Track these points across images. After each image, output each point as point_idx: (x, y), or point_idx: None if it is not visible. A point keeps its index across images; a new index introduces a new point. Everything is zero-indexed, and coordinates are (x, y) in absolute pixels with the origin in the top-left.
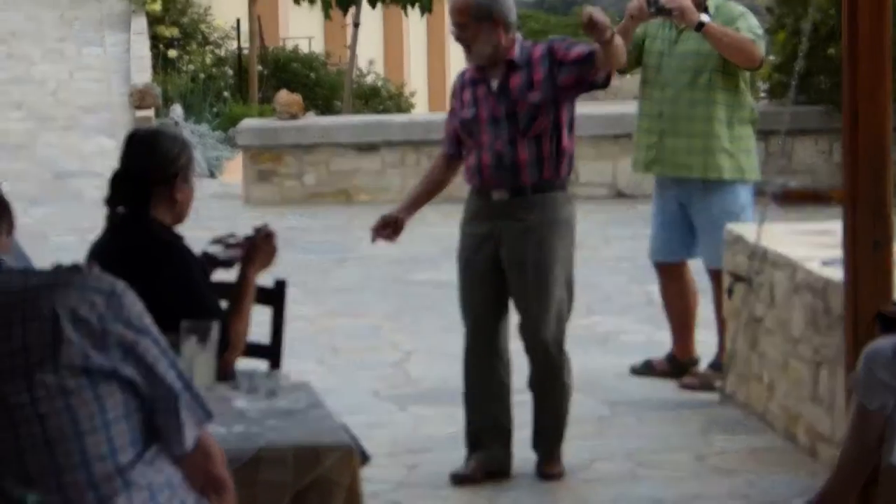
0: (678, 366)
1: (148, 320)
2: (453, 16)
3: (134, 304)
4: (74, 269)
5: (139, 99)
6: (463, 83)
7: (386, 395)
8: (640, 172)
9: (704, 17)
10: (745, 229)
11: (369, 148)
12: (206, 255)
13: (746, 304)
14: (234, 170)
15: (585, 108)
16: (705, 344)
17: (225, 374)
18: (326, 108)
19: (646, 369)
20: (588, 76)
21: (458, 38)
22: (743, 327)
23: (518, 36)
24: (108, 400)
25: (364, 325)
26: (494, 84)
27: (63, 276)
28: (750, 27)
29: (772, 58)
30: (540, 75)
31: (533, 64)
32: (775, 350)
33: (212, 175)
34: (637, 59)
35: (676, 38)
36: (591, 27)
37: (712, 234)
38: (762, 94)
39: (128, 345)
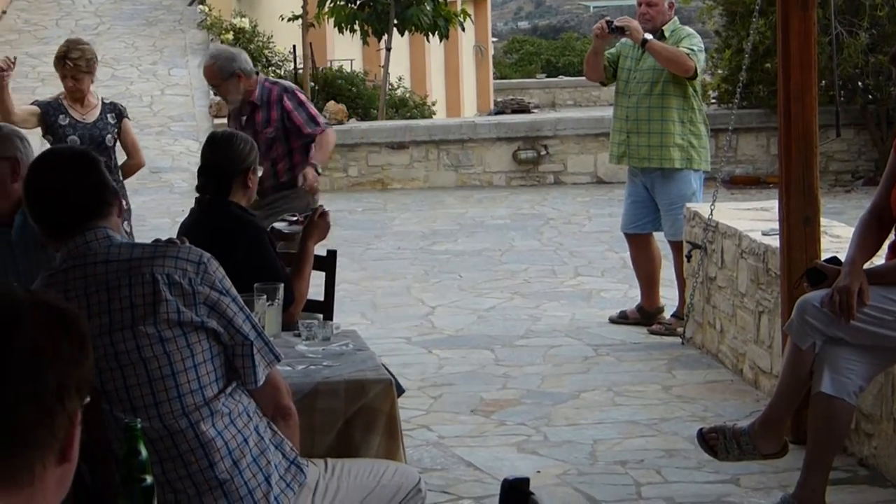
0: (646, 314)
1: (228, 283)
2: (207, 80)
3: (217, 270)
4: (170, 243)
5: (216, 110)
6: (229, 115)
7: (416, 340)
8: (613, 163)
9: (648, 36)
10: (701, 207)
11: (399, 146)
12: (273, 230)
13: (702, 267)
14: None
15: (573, 112)
16: (667, 298)
17: (289, 324)
18: (365, 116)
19: (621, 318)
20: (306, 141)
21: (216, 94)
22: (699, 285)
23: (260, 77)
24: (196, 346)
25: (397, 285)
26: (243, 119)
27: (161, 248)
28: (690, 45)
29: (720, 71)
30: (275, 116)
31: (271, 104)
32: (725, 303)
33: None
34: (613, 73)
35: (640, 56)
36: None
37: (670, 213)
38: (713, 100)
39: (212, 303)
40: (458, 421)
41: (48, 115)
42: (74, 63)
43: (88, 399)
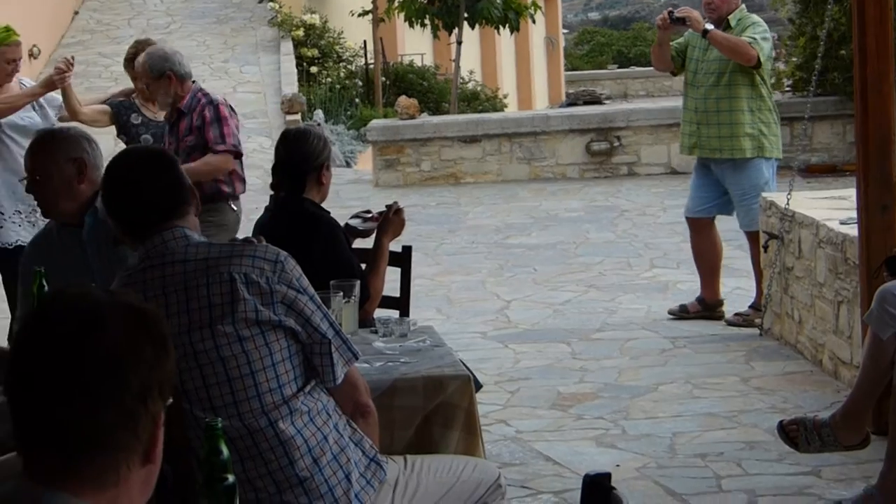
0: (708, 307)
1: (305, 281)
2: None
3: (294, 269)
4: (247, 241)
5: (288, 106)
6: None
7: (491, 335)
8: (685, 154)
9: (709, 26)
10: (777, 197)
11: (472, 140)
12: (348, 227)
13: (779, 257)
14: (366, 160)
15: (645, 103)
16: (743, 289)
17: (365, 321)
18: (436, 110)
19: (681, 312)
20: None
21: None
22: (777, 275)
23: (195, 86)
24: (274, 345)
25: (472, 280)
26: (170, 125)
27: (238, 247)
28: (753, 33)
29: (794, 59)
30: (195, 125)
31: (194, 114)
32: (803, 293)
33: (348, 165)
34: (682, 63)
35: (707, 46)
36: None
37: (743, 203)
38: (787, 88)
39: (289, 301)
40: (536, 415)
41: (120, 114)
42: (141, 66)
43: (171, 400)
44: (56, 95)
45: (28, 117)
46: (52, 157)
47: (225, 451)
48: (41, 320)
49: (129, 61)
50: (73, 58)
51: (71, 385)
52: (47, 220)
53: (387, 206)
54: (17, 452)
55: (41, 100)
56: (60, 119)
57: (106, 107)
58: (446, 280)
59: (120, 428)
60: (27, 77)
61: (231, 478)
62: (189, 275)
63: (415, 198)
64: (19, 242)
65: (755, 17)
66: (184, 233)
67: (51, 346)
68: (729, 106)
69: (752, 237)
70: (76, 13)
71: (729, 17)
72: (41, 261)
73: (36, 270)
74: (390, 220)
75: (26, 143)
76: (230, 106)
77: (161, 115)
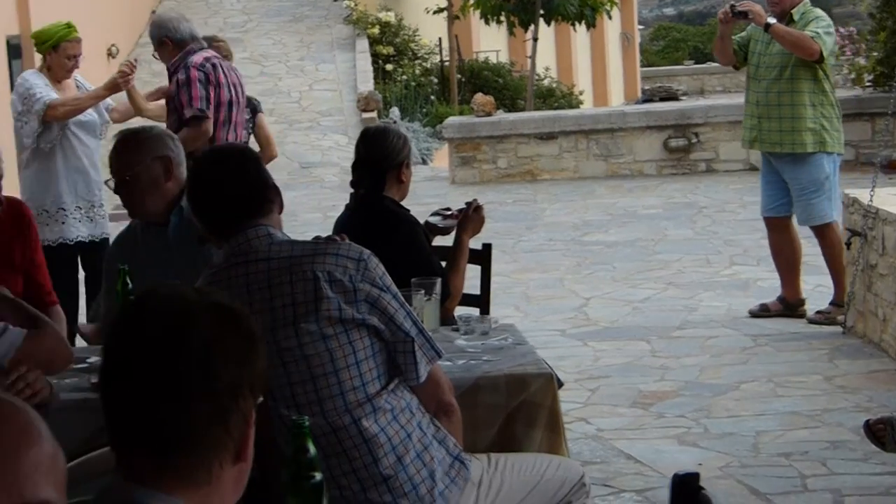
0: (789, 306)
1: (388, 279)
2: None
3: (377, 267)
4: (330, 240)
5: (364, 104)
6: None
7: (570, 333)
8: (746, 148)
9: (771, 20)
10: (860, 193)
11: (548, 137)
12: (428, 224)
13: (862, 254)
14: (442, 157)
15: (723, 98)
16: (820, 287)
17: (446, 319)
18: (512, 107)
19: (762, 311)
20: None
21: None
22: (860, 273)
23: (193, 47)
24: (357, 343)
25: (550, 277)
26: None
27: (321, 246)
28: (816, 28)
29: (875, 53)
30: (171, 89)
31: (174, 76)
32: (887, 290)
33: (424, 162)
34: (745, 57)
35: (769, 40)
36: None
37: (802, 198)
38: (867, 83)
39: (372, 300)
40: (617, 413)
41: None
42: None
43: (262, 398)
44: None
45: (89, 114)
46: (139, 156)
47: (312, 449)
48: (132, 320)
49: None
50: (136, 60)
51: (163, 384)
52: (104, 217)
53: (467, 204)
54: (110, 450)
55: (87, 85)
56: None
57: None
58: (524, 277)
59: (212, 426)
60: (105, 75)
61: (318, 476)
62: (273, 273)
63: (491, 195)
64: (79, 238)
65: (819, 12)
66: (267, 231)
67: (143, 345)
68: (791, 100)
69: (818, 232)
70: (153, 12)
71: (792, 11)
72: (125, 259)
73: (119, 268)
74: (470, 217)
75: (88, 139)
76: (211, 66)
77: None
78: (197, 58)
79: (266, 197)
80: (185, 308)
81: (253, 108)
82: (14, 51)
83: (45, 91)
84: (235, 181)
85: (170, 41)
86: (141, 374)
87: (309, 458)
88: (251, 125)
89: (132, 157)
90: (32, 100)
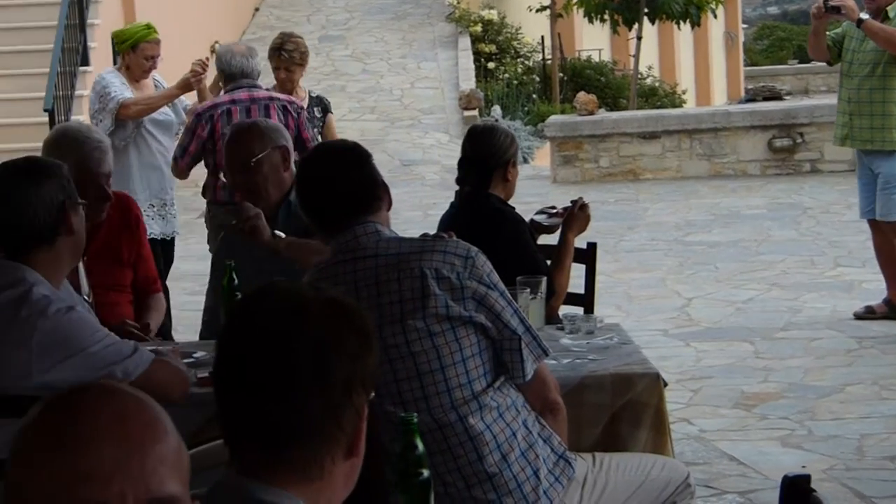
0: (894, 309)
1: (496, 277)
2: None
3: (484, 264)
4: (438, 237)
5: (466, 102)
6: None
7: (673, 333)
8: (837, 145)
9: (864, 16)
10: None
11: (651, 136)
12: (532, 222)
13: None
14: (543, 156)
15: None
16: None
17: (550, 318)
18: (614, 106)
19: (867, 313)
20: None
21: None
22: None
23: (241, 83)
24: (464, 340)
25: (652, 277)
26: None
27: (429, 242)
28: None
29: None
30: None
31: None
32: None
33: (525, 161)
34: (838, 54)
35: (863, 37)
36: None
37: (884, 192)
38: None
39: (480, 297)
40: (719, 414)
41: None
42: (289, 54)
43: (374, 394)
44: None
45: (165, 113)
46: (262, 144)
47: (420, 445)
48: (248, 315)
49: (275, 50)
50: (207, 59)
51: (278, 378)
52: (175, 217)
53: (572, 202)
54: (223, 443)
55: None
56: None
57: None
58: (626, 277)
59: (326, 420)
60: (208, 72)
61: (426, 472)
62: (380, 269)
63: (593, 194)
64: (151, 235)
65: None
66: (375, 228)
67: (257, 340)
68: (882, 97)
69: (892, 227)
70: (256, 10)
71: (888, 8)
72: (232, 254)
73: (226, 264)
74: (576, 215)
75: (163, 138)
76: (209, 117)
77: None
78: (219, 99)
79: (375, 194)
80: (300, 303)
81: (324, 107)
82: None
83: (120, 90)
84: (346, 178)
85: (222, 73)
86: (255, 368)
87: (417, 454)
88: (321, 124)
89: (255, 145)
90: (107, 98)
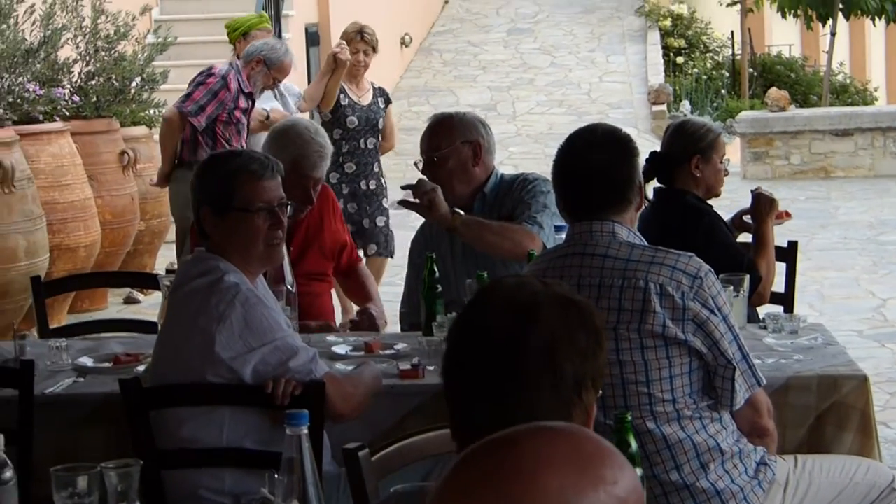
0: None
1: (721, 300)
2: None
3: (713, 286)
4: (668, 250)
5: (655, 97)
6: None
7: (868, 334)
8: None
9: None
10: None
11: (843, 133)
12: (734, 220)
13: None
14: (732, 152)
15: None
16: None
17: (762, 302)
18: (804, 102)
19: None
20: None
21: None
22: None
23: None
24: (675, 359)
25: (845, 277)
26: None
27: (659, 255)
28: None
29: None
30: None
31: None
32: None
33: None
34: None
35: None
36: None
37: None
38: None
39: (700, 321)
40: None
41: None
42: (371, 37)
43: (601, 393)
44: (293, 85)
45: (272, 106)
46: (450, 139)
47: (634, 444)
48: (479, 310)
49: (357, 33)
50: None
51: (508, 375)
52: None
53: (752, 191)
54: (452, 438)
55: (281, 88)
56: (298, 108)
57: None
58: (818, 276)
59: (555, 416)
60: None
61: (639, 471)
62: (606, 272)
63: (784, 191)
64: None
65: None
66: (612, 227)
67: (489, 335)
68: None
69: None
70: (446, 2)
71: None
72: (429, 245)
73: (427, 256)
74: (760, 203)
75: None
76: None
77: (364, 99)
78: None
79: (627, 196)
80: (532, 300)
81: (386, 98)
82: (312, 38)
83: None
84: (609, 169)
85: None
86: (486, 365)
87: (630, 453)
88: (383, 114)
89: (442, 140)
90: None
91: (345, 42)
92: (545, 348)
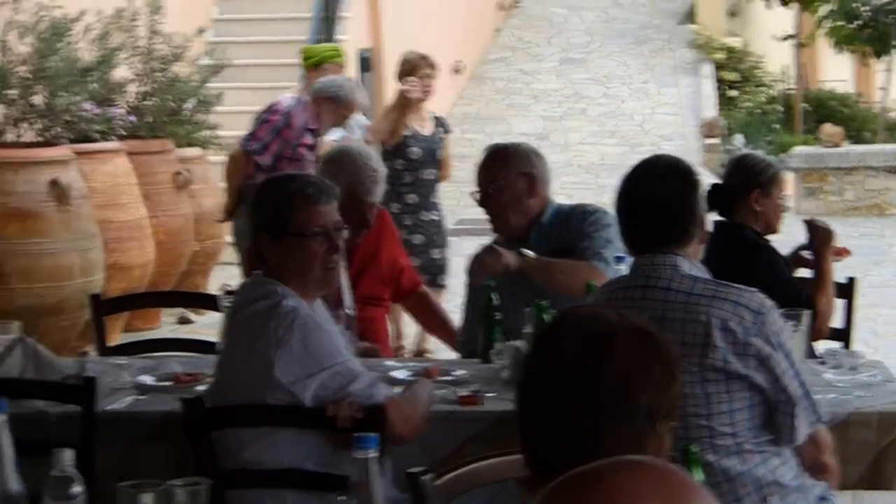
0: None
1: (784, 336)
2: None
3: (775, 322)
4: (731, 286)
5: (707, 130)
6: None
7: None
8: None
9: None
10: None
11: None
12: (791, 256)
13: None
14: (786, 187)
15: None
16: None
17: (820, 337)
18: (857, 138)
19: None
20: None
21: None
22: None
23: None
24: (736, 394)
25: None
26: None
27: (722, 289)
28: None
29: None
30: None
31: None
32: None
33: None
34: None
35: None
36: None
37: None
38: None
39: (763, 357)
40: None
41: None
42: (433, 61)
43: (675, 423)
44: (361, 116)
45: (340, 136)
46: (505, 171)
47: (700, 475)
48: (553, 339)
49: (422, 58)
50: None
51: (582, 405)
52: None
53: (805, 221)
54: (525, 465)
55: (350, 119)
56: (364, 142)
57: None
58: (872, 313)
59: (629, 449)
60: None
61: None
62: (668, 305)
63: (837, 227)
64: None
65: None
66: (675, 261)
67: (562, 365)
68: None
69: None
70: (498, 30)
71: None
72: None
73: (486, 285)
74: (819, 236)
75: None
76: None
77: (426, 129)
78: (283, 99)
79: (689, 231)
80: (606, 331)
81: (445, 128)
82: (365, 63)
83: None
84: (672, 202)
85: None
86: (560, 393)
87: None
88: (441, 143)
89: (497, 172)
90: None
91: (415, 79)
92: (620, 380)
